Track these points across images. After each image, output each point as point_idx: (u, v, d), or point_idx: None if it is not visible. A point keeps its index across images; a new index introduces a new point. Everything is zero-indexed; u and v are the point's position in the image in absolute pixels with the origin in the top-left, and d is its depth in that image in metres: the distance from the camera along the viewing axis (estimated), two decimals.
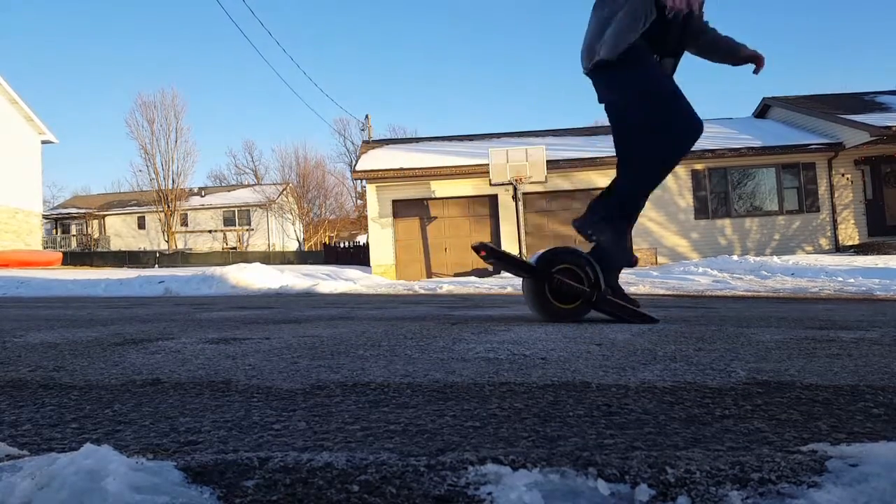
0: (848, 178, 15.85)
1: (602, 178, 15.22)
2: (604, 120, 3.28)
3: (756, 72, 2.75)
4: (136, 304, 5.40)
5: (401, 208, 16.07)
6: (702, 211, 15.80)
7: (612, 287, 2.68)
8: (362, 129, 23.95)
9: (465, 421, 0.99)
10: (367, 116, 23.11)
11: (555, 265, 2.63)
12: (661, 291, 6.76)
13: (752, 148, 15.63)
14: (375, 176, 15.82)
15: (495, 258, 2.65)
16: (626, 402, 1.11)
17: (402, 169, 15.69)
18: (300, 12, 76.23)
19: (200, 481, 0.66)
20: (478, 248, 2.70)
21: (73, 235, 41.83)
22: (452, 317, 3.12)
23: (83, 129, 74.05)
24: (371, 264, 16.02)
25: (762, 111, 19.62)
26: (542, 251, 2.75)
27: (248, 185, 47.81)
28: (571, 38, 74.51)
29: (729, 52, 2.77)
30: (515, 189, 13.86)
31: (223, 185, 50.27)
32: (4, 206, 20.67)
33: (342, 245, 31.67)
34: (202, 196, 44.19)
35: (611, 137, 2.79)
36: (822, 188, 15.83)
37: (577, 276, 2.63)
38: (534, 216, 15.71)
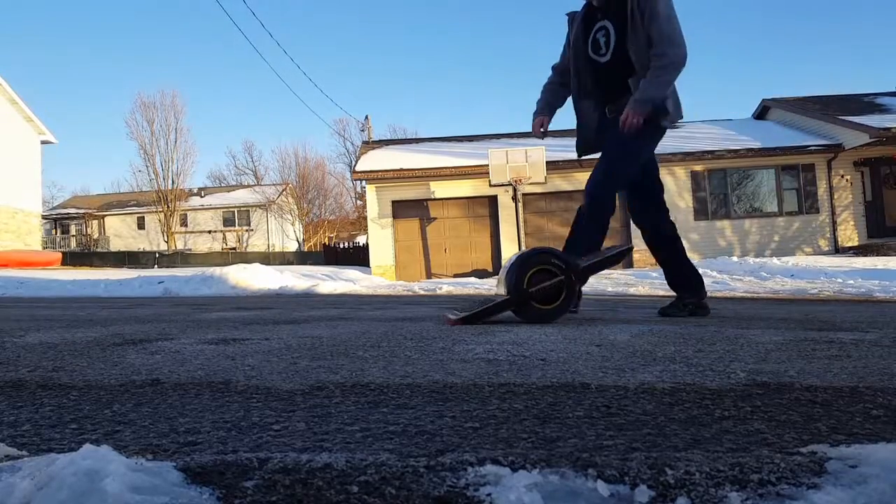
0: (847, 180, 15.84)
1: None
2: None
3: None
4: (135, 305, 5.39)
5: (400, 209, 16.06)
6: (701, 212, 15.79)
7: None
8: (362, 130, 23.97)
9: (465, 422, 0.99)
10: (366, 117, 23.12)
11: (526, 274, 2.67)
12: (661, 292, 6.75)
13: (752, 149, 15.62)
14: (375, 176, 15.81)
15: (476, 321, 2.69)
16: (626, 403, 1.11)
17: (401, 170, 15.68)
18: (300, 13, 76.33)
19: (200, 482, 0.66)
20: (455, 322, 2.78)
21: (73, 236, 41.77)
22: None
23: (83, 129, 74.08)
24: (371, 265, 16.01)
25: (761, 112, 19.61)
26: (510, 264, 2.77)
27: (248, 186, 47.72)
28: None
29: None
30: (515, 190, 13.85)
31: (223, 185, 50.21)
32: (4, 206, 20.65)
33: (342, 246, 31.67)
34: (202, 196, 44.14)
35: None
36: (822, 189, 15.83)
37: (549, 272, 2.69)
38: (533, 217, 15.70)
